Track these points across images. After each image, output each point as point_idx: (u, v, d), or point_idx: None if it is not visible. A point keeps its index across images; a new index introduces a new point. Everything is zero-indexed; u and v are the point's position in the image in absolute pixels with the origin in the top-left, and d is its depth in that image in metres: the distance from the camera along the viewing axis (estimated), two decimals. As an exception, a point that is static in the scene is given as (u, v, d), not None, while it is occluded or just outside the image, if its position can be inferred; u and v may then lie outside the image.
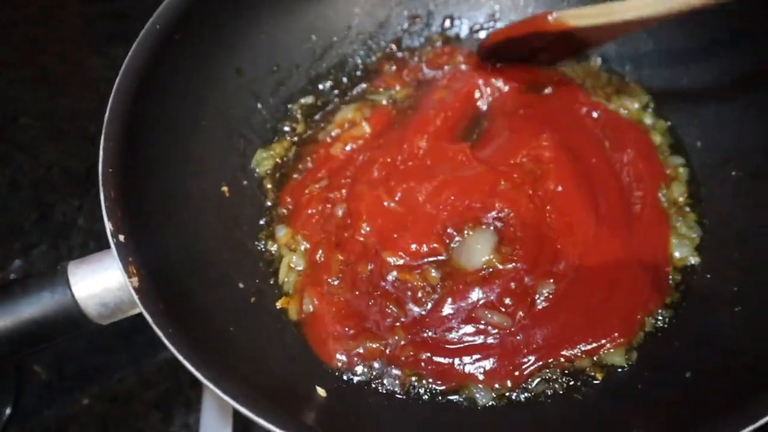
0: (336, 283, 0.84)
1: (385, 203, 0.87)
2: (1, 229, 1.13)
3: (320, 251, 0.88)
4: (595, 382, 0.77)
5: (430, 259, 0.84)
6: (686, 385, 0.69)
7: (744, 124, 0.88)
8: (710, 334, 0.75)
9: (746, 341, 0.70)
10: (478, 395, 0.77)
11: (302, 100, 1.03)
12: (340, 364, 0.78)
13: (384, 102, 1.03)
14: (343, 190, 0.92)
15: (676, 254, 0.86)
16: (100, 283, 0.68)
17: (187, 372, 0.60)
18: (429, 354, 0.79)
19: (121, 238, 0.66)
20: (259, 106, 0.98)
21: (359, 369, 0.79)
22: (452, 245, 0.84)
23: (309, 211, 0.92)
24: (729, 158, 0.88)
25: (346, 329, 0.80)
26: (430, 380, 0.78)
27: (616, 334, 0.79)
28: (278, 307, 0.83)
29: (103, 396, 0.97)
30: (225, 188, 0.90)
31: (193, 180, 0.84)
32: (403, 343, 0.79)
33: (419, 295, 0.82)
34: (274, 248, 0.91)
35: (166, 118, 0.82)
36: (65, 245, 1.10)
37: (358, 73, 1.07)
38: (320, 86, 1.04)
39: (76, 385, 0.98)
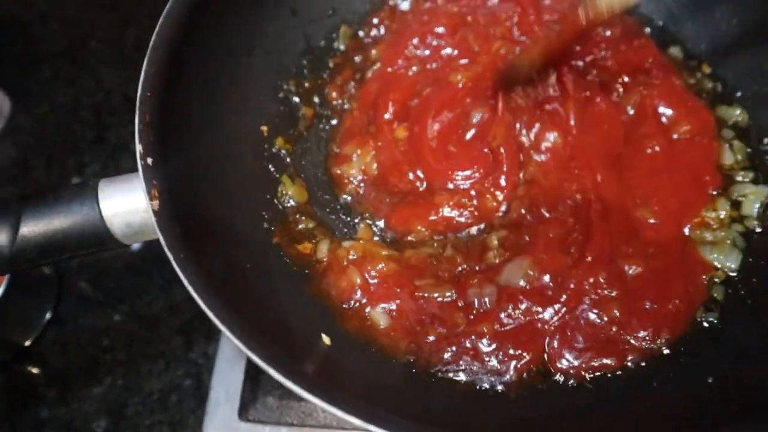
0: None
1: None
2: (60, 145, 1.18)
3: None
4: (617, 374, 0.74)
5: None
6: (705, 391, 0.65)
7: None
8: (742, 341, 0.69)
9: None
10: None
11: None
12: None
13: None
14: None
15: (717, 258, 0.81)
16: (127, 203, 0.69)
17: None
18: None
19: (149, 161, 0.67)
20: (310, 49, 0.97)
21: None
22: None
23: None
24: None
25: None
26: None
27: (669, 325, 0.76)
28: (299, 250, 0.83)
29: (133, 315, 1.02)
30: (265, 128, 0.89)
31: (234, 115, 0.84)
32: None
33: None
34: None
35: (213, 50, 0.82)
36: (114, 167, 1.14)
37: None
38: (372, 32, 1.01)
39: (109, 302, 1.03)
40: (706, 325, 0.77)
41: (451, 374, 0.75)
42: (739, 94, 0.93)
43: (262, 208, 0.84)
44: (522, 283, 0.78)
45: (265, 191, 0.86)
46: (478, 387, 0.74)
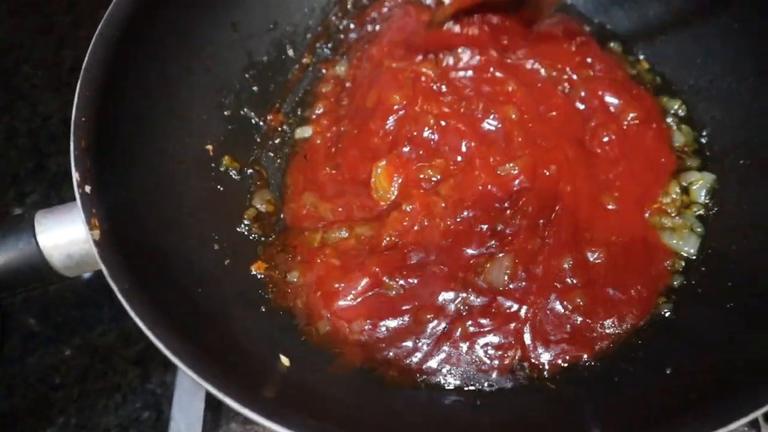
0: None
1: None
2: (-2, 176, 1.13)
3: None
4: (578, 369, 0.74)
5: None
6: (664, 382, 0.66)
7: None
8: (698, 330, 0.71)
9: (733, 340, 0.66)
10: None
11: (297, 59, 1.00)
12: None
13: None
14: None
15: (677, 244, 0.83)
16: (66, 234, 0.67)
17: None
18: None
19: (87, 189, 0.64)
20: (253, 63, 0.95)
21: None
22: None
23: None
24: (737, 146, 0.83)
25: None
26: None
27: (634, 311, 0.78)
28: (252, 272, 0.81)
29: (85, 348, 0.98)
30: (210, 147, 0.87)
31: (175, 134, 0.82)
32: None
33: None
34: (261, 206, 0.89)
35: (151, 69, 0.80)
36: (57, 196, 1.10)
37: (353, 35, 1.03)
38: (317, 48, 1.01)
39: (59, 336, 0.99)
40: (663, 313, 0.78)
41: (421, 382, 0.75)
42: (675, 87, 0.95)
43: (212, 230, 0.81)
44: (506, 280, 0.78)
45: (213, 212, 0.83)
46: (446, 395, 0.74)
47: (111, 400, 0.93)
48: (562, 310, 0.78)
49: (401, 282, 0.79)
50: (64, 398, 0.93)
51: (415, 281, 0.80)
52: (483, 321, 0.77)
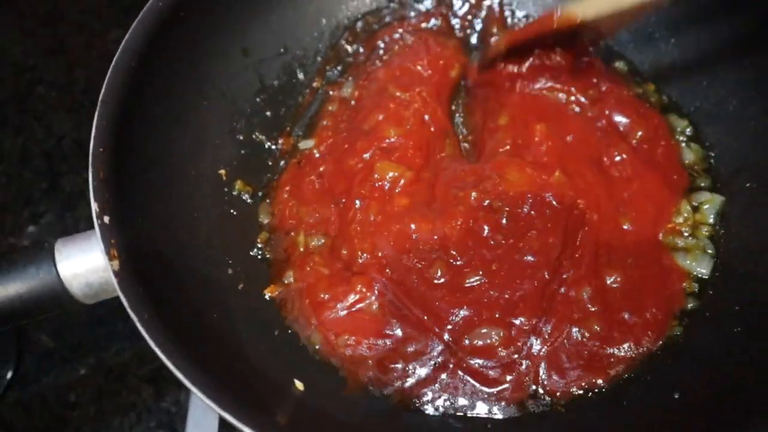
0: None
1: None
2: (12, 196, 1.15)
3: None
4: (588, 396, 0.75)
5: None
6: (673, 406, 0.67)
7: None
8: (705, 354, 0.72)
9: (741, 364, 0.67)
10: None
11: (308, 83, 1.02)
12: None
13: None
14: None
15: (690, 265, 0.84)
16: (85, 263, 0.68)
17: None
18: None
19: (106, 219, 0.66)
20: (264, 88, 0.97)
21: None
22: None
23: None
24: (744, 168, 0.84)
25: None
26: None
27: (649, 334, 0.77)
28: (266, 296, 0.82)
29: (100, 368, 0.99)
30: (223, 171, 0.89)
31: (190, 161, 0.84)
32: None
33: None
34: (265, 220, 0.91)
35: (166, 97, 0.81)
36: (72, 216, 1.11)
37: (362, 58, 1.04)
38: (327, 71, 1.02)
39: (74, 356, 1.00)
40: (674, 335, 0.78)
41: (427, 407, 0.75)
42: (683, 109, 0.96)
43: (226, 254, 0.83)
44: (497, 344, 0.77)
45: (227, 236, 0.85)
46: (454, 420, 0.75)
47: (126, 419, 0.95)
48: (579, 338, 0.77)
49: (386, 307, 0.79)
50: (79, 417, 0.95)
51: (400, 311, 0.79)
52: (480, 362, 0.77)
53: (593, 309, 0.78)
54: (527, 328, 0.76)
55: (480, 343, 0.76)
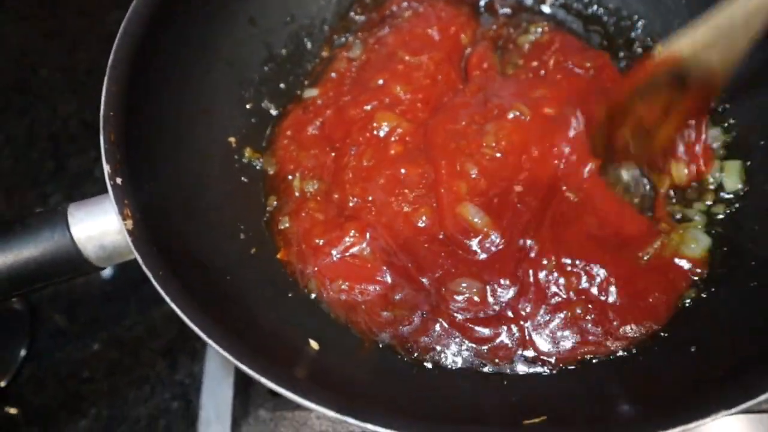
0: None
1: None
2: (19, 178, 1.15)
3: None
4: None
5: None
6: (691, 358, 0.66)
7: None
8: (721, 311, 0.71)
9: (756, 320, 0.67)
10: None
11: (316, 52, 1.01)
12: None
13: None
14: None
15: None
16: (99, 225, 0.68)
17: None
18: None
19: (119, 180, 0.65)
20: (272, 57, 0.97)
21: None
22: None
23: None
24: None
25: None
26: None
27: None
28: (278, 259, 0.82)
29: (113, 342, 1.00)
30: (232, 139, 0.89)
31: (199, 128, 0.83)
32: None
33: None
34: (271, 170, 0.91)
35: (174, 64, 0.81)
36: (79, 196, 1.11)
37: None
38: (335, 40, 1.02)
39: (87, 331, 1.01)
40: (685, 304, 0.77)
41: (441, 359, 0.76)
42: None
43: (237, 220, 0.83)
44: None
45: (238, 202, 0.85)
46: (471, 371, 0.74)
47: (140, 392, 0.95)
48: (569, 317, 0.76)
49: (377, 252, 0.79)
50: (94, 392, 0.95)
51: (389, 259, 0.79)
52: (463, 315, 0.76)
53: (574, 298, 0.76)
54: (504, 291, 0.77)
55: (459, 297, 0.76)
